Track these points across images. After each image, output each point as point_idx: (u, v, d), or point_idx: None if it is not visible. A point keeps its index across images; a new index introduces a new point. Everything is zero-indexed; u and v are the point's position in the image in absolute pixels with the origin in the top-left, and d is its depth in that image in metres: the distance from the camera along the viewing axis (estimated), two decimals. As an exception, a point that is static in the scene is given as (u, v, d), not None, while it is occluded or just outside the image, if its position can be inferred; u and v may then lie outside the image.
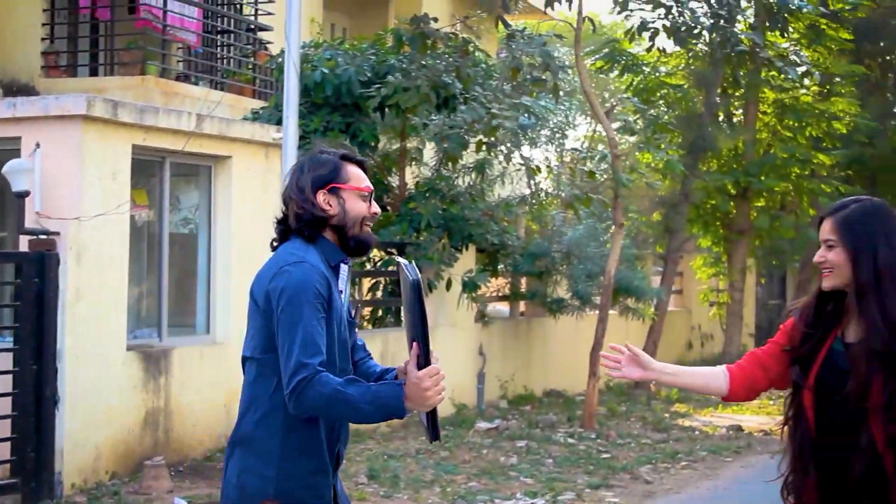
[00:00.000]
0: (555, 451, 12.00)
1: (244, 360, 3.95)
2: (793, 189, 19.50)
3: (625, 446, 12.48)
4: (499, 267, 15.28)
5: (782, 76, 18.18)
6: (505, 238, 14.66)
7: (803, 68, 17.18)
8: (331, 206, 3.90)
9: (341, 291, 3.93)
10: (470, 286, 13.86)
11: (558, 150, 17.50)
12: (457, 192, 14.01)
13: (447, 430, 12.71)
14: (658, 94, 19.39)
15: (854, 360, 3.79)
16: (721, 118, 19.46)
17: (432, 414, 3.75)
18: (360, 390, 3.66)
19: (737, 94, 19.22)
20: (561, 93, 14.11)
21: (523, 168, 15.04)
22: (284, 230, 3.97)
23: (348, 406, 3.66)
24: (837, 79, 20.23)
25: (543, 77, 12.86)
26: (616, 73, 19.66)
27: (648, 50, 14.90)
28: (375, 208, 3.99)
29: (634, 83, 19.13)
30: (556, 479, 10.57)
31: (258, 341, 3.88)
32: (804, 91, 19.53)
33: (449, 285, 13.57)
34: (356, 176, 3.96)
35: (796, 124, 19.29)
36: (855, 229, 3.83)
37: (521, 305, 16.91)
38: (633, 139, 18.39)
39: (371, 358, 4.21)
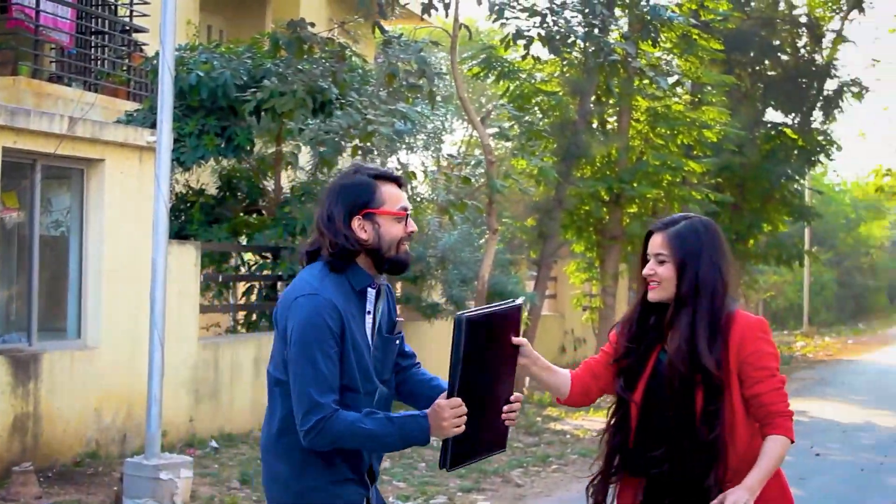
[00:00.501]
0: (427, 456, 12.08)
1: (269, 373, 3.97)
2: (664, 196, 19.80)
3: (497, 450, 12.60)
4: (373, 272, 15.33)
5: (648, 83, 18.52)
6: (380, 243, 14.70)
7: (674, 78, 17.50)
8: (366, 231, 3.86)
9: (369, 312, 3.91)
10: (346, 290, 13.87)
11: (434, 155, 17.59)
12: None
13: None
14: (533, 101, 19.56)
15: (669, 374, 4.01)
16: (594, 126, 19.72)
17: (449, 442, 3.80)
18: (379, 424, 3.74)
19: (610, 102, 19.50)
20: (437, 99, 14.20)
21: (412, 174, 15.09)
22: (314, 252, 3.94)
23: (369, 439, 3.76)
24: (708, 88, 20.65)
25: (419, 83, 12.94)
26: (492, 79, 19.81)
27: (524, 58, 15.06)
28: (412, 227, 3.95)
29: (510, 90, 19.30)
30: (428, 483, 10.67)
31: (278, 360, 3.91)
32: (676, 100, 19.87)
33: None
34: (392, 198, 3.92)
35: (668, 132, 19.61)
36: (684, 245, 4.04)
37: (397, 310, 16.95)
38: (507, 145, 18.60)
39: (420, 365, 4.23)
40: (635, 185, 18.99)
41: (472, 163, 15.69)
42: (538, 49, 17.24)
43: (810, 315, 41.32)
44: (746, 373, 3.99)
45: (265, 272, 13.80)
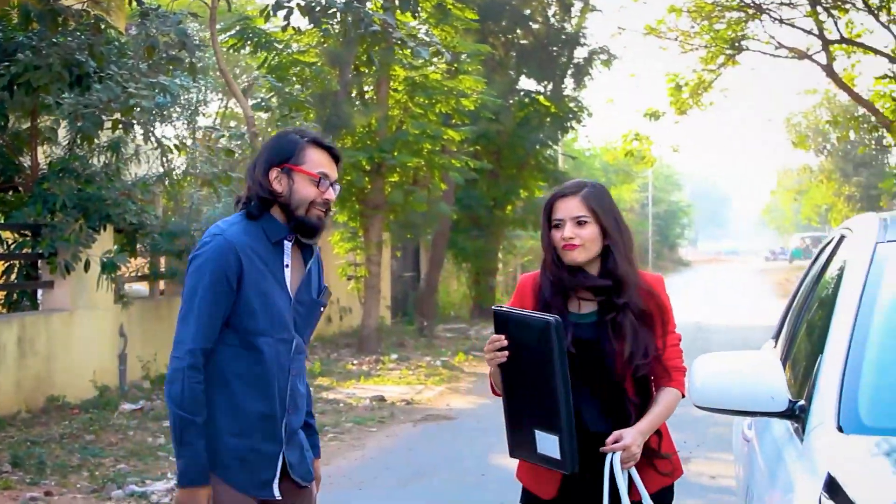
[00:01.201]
0: (201, 430, 12.02)
1: None
2: (425, 164, 20.08)
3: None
4: (137, 247, 15.09)
5: (408, 53, 18.72)
6: (143, 217, 14.48)
7: (434, 48, 17.72)
8: (280, 184, 4.00)
9: (287, 265, 4.05)
10: (109, 267, 13.60)
11: (191, 127, 17.35)
12: (92, 172, 13.73)
13: (91, 413, 12.51)
14: (291, 72, 19.53)
15: (598, 330, 4.12)
16: (354, 96, 19.81)
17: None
18: (187, 427, 3.87)
19: (369, 72, 19.61)
20: (197, 71, 14.02)
21: (159, 147, 14.83)
22: (242, 200, 4.10)
23: (178, 419, 3.90)
24: (464, 57, 20.99)
25: (180, 55, 12.75)
26: (248, 50, 19.66)
27: (284, 29, 15.00)
28: (330, 195, 4.06)
29: (268, 61, 19.19)
30: (204, 457, 10.60)
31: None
32: (433, 69, 20.13)
33: (87, 266, 13.28)
34: (314, 161, 4.05)
35: (427, 101, 19.87)
36: (602, 204, 4.14)
37: (161, 284, 16.73)
38: (265, 116, 18.49)
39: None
40: (396, 154, 19.19)
41: (230, 135, 15.56)
42: (297, 19, 17.20)
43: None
44: None
45: (25, 250, 13.41)
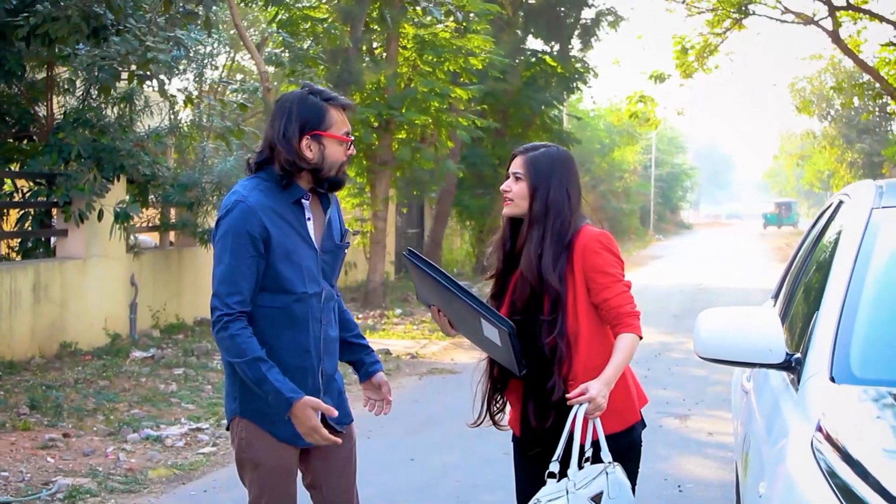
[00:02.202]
0: (213, 378, 12.32)
1: None
2: (432, 122, 20.24)
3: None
4: (149, 198, 15.32)
5: (420, 12, 18.87)
6: (156, 169, 14.71)
7: (445, 7, 17.89)
8: (311, 151, 4.14)
9: (309, 219, 4.22)
10: (122, 217, 13.86)
11: (204, 81, 17.54)
12: (106, 123, 13.95)
13: (104, 359, 12.79)
14: (301, 27, 19.68)
15: (521, 287, 4.40)
16: (363, 52, 19.97)
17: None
18: (254, 369, 4.02)
19: (380, 29, 19.76)
20: (211, 25, 14.20)
21: (166, 100, 15.00)
22: (262, 162, 4.22)
23: (242, 362, 4.04)
24: (473, 16, 21.12)
25: (196, 10, 12.95)
26: (260, 4, 19.81)
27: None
28: (352, 151, 4.27)
29: (279, 16, 19.35)
30: (217, 405, 10.89)
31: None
32: (442, 27, 20.27)
33: (101, 216, 13.55)
34: (338, 122, 4.19)
35: (435, 59, 20.00)
36: (539, 168, 4.43)
37: (172, 236, 16.97)
38: (271, 70, 18.63)
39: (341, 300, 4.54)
40: (404, 111, 19.35)
41: (249, 89, 15.73)
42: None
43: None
44: (594, 280, 4.35)
45: (40, 199, 13.65)
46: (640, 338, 4.36)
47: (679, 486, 8.19)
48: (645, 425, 4.60)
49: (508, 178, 4.52)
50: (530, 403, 4.43)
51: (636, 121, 31.09)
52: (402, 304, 20.70)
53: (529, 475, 4.52)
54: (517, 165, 4.50)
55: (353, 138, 4.32)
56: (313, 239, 4.25)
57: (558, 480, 4.18)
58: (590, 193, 47.08)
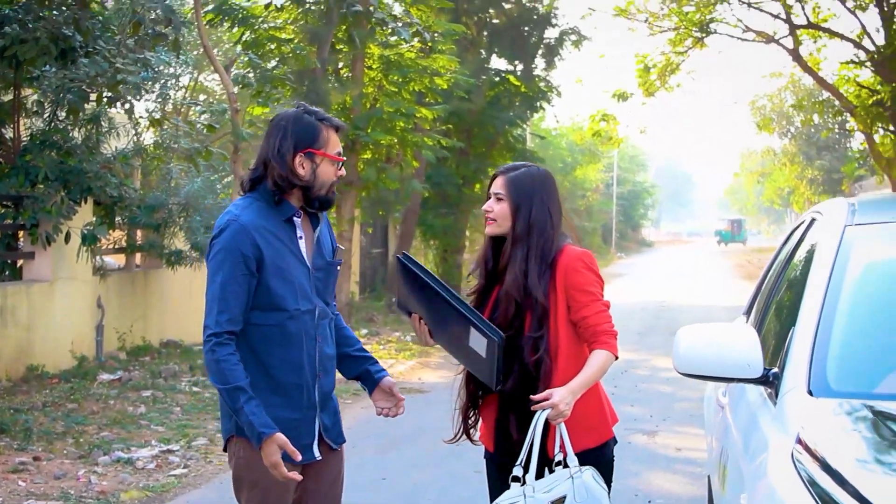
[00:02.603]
0: (181, 400, 12.31)
1: None
2: (398, 142, 20.27)
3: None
4: (116, 219, 15.28)
5: (387, 32, 18.93)
6: (123, 191, 14.69)
7: (414, 28, 17.99)
8: (304, 168, 4.20)
9: (301, 237, 4.27)
10: (90, 239, 13.83)
11: (163, 101, 17.48)
12: (73, 145, 13.93)
13: (71, 382, 12.75)
14: (267, 48, 19.68)
15: (505, 303, 4.47)
16: (329, 73, 20.01)
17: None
18: (233, 396, 4.07)
19: (344, 49, 19.80)
20: (180, 47, 14.22)
21: (131, 120, 14.98)
22: (256, 180, 4.27)
23: (225, 389, 4.10)
24: (437, 36, 21.21)
25: (165, 32, 12.97)
26: (226, 25, 19.80)
27: (267, 6, 15.17)
28: (342, 171, 4.32)
29: (245, 37, 19.35)
30: (186, 426, 10.90)
31: None
32: (408, 48, 20.33)
33: (68, 238, 13.52)
34: (332, 142, 4.26)
35: (401, 80, 20.05)
36: (520, 187, 4.51)
37: (138, 258, 16.94)
38: (236, 91, 18.64)
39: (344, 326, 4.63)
40: (370, 131, 19.36)
41: (211, 110, 15.73)
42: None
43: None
44: (574, 298, 4.43)
45: (7, 221, 13.60)
46: (616, 357, 4.44)
47: (650, 502, 8.26)
48: (616, 441, 4.68)
49: (490, 198, 4.60)
50: (511, 417, 4.50)
51: (599, 139, 31.26)
52: (367, 325, 20.72)
53: (503, 490, 4.58)
54: (498, 186, 4.58)
55: (344, 158, 4.38)
56: (305, 257, 4.30)
57: (522, 485, 4.26)
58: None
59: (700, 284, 35.93)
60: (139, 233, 16.34)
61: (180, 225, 15.47)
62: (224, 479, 9.09)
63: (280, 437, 4.09)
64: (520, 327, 4.45)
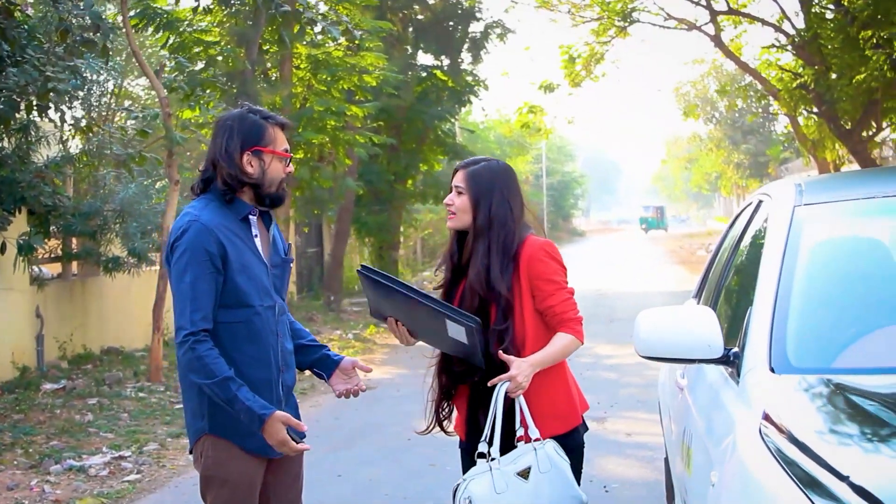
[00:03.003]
0: (128, 406, 12.26)
1: None
2: (329, 141, 20.32)
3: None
4: (51, 228, 15.15)
5: (315, 32, 18.92)
6: (57, 199, 14.56)
7: (343, 26, 17.99)
8: (252, 167, 4.25)
9: (256, 236, 4.31)
10: (26, 249, 13.70)
11: (94, 109, 17.35)
12: (4, 155, 13.79)
13: (15, 393, 12.65)
14: (193, 51, 19.59)
15: (469, 296, 4.55)
16: (258, 74, 19.96)
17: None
18: (224, 388, 4.10)
19: (272, 50, 19.78)
20: (109, 54, 14.11)
21: (71, 128, 14.88)
22: (207, 181, 4.32)
23: (212, 383, 4.12)
24: (364, 34, 21.23)
25: (94, 38, 12.87)
26: (151, 30, 19.68)
27: (195, 10, 15.12)
28: (290, 168, 4.36)
29: (171, 41, 19.25)
30: (136, 432, 10.88)
31: None
32: (335, 46, 20.34)
33: (3, 249, 13.38)
34: (278, 139, 4.32)
35: (330, 78, 20.09)
36: (480, 181, 4.58)
37: (74, 266, 16.81)
38: (165, 94, 18.55)
39: (294, 321, 4.68)
40: (301, 131, 19.37)
41: (144, 116, 15.62)
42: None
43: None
44: (539, 288, 4.51)
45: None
46: (581, 342, 4.53)
47: (605, 487, 8.37)
48: (587, 428, 4.77)
49: (451, 191, 4.66)
50: (482, 407, 4.57)
51: (527, 131, 31.40)
52: (308, 324, 20.67)
53: None
54: (459, 179, 4.66)
55: (292, 155, 4.43)
56: (262, 254, 4.37)
57: (490, 460, 4.36)
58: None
59: (635, 271, 36.24)
60: (74, 241, 16.20)
61: (116, 231, 15.36)
62: (179, 482, 9.10)
63: (281, 414, 4.15)
64: (485, 320, 4.52)
